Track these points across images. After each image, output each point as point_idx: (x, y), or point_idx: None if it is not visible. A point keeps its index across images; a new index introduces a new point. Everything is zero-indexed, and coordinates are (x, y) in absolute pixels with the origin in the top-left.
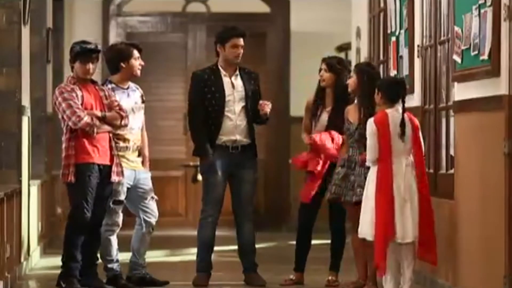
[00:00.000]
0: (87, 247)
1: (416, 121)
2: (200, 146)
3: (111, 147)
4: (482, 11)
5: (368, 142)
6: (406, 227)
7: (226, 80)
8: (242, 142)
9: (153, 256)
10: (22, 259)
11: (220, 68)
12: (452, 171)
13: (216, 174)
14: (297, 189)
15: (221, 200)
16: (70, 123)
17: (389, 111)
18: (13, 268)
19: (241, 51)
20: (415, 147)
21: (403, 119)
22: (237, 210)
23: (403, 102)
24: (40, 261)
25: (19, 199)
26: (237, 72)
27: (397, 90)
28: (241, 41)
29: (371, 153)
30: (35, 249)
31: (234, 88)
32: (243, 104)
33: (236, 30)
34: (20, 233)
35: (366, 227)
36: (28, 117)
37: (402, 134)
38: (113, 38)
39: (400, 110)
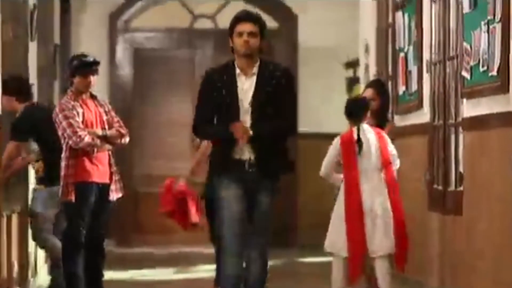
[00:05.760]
0: (90, 263)
1: (385, 138)
2: (215, 133)
3: (110, 165)
4: (490, 27)
5: (327, 156)
6: (379, 241)
7: (240, 81)
8: (252, 160)
9: (161, 274)
10: (29, 277)
11: (235, 66)
12: (461, 188)
13: (229, 192)
14: (304, 207)
15: (239, 220)
16: (70, 142)
17: (354, 129)
18: (21, 285)
19: (250, 38)
20: (384, 163)
21: (358, 137)
22: (249, 238)
23: (360, 121)
24: (48, 279)
25: (27, 216)
26: (255, 69)
27: (354, 109)
28: (247, 26)
29: (324, 166)
30: (42, 266)
31: (244, 93)
32: (249, 115)
33: (239, 14)
34: (27, 251)
35: (342, 243)
36: None
37: (359, 151)
38: (120, 54)
39: (367, 128)
